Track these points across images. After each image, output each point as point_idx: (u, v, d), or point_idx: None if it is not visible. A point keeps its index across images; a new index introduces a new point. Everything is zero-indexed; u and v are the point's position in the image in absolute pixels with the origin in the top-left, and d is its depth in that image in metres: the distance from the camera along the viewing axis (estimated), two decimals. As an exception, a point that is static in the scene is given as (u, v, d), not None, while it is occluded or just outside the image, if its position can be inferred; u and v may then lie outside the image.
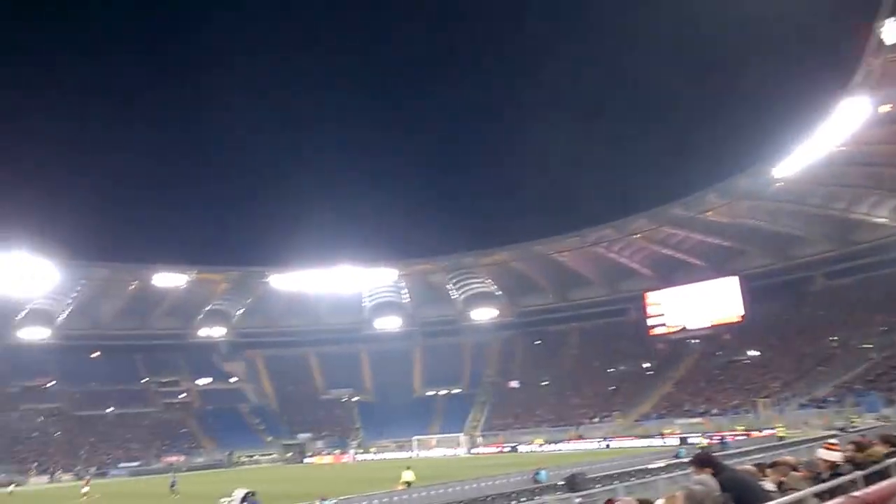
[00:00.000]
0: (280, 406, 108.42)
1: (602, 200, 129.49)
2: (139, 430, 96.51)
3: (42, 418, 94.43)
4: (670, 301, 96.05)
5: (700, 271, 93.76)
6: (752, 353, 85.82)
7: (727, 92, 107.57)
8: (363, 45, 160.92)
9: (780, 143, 70.85)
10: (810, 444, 30.51)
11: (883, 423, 44.51)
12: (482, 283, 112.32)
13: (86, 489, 50.36)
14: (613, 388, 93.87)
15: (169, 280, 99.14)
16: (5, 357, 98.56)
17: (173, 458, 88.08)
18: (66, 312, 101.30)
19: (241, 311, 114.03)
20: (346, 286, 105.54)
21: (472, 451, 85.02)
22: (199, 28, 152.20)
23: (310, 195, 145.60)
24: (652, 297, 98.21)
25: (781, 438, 49.69)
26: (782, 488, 7.61)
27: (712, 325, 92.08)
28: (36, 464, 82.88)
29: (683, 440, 62.29)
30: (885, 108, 59.87)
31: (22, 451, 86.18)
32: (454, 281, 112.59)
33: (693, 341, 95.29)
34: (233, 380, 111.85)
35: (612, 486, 26.37)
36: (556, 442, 79.16)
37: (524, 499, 28.30)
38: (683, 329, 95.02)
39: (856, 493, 6.60)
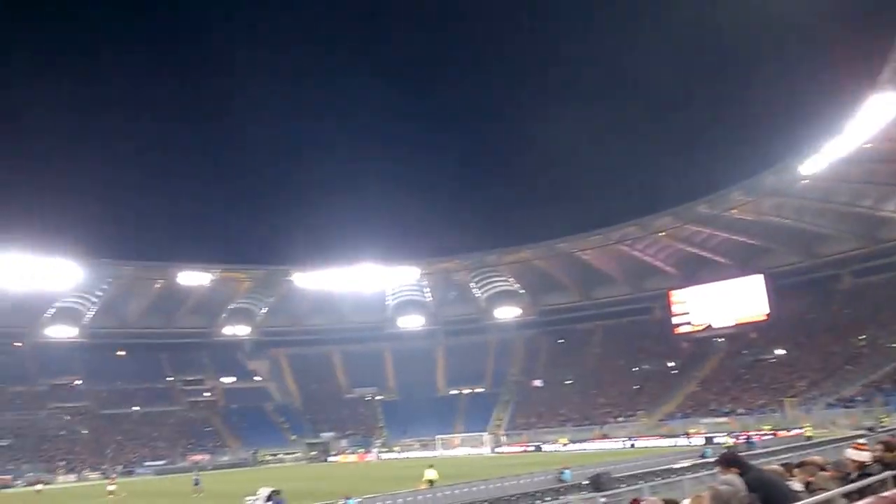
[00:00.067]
0: (304, 404, 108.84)
1: (626, 198, 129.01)
2: (165, 429, 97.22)
3: (69, 417, 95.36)
4: (695, 299, 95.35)
5: (725, 269, 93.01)
6: (779, 351, 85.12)
7: (753, 88, 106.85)
8: (388, 42, 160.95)
9: (807, 139, 70.20)
10: (838, 444, 30.19)
11: (912, 423, 43.99)
12: (505, 281, 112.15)
13: (111, 487, 50.83)
14: (638, 387, 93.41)
15: (193, 279, 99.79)
16: (33, 355, 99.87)
17: (199, 457, 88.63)
18: (93, 311, 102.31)
19: (265, 309, 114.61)
20: (369, 285, 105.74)
21: (496, 450, 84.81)
22: (223, 26, 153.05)
23: (333, 194, 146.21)
24: (677, 296, 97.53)
25: (809, 438, 49.22)
26: (810, 488, 7.50)
27: (738, 324, 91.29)
28: (63, 462, 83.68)
29: (709, 440, 61.84)
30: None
31: (49, 449, 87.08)
32: (477, 279, 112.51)
33: (718, 340, 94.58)
34: (257, 378, 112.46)
35: (637, 486, 26.21)
36: (580, 441, 78.84)
37: (549, 498, 28.20)
38: (708, 328, 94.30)
39: (885, 494, 6.50)
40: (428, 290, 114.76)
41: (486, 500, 28.75)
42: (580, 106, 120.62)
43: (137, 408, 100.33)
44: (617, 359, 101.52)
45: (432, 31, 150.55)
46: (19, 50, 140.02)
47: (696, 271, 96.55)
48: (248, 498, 33.39)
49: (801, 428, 57.16)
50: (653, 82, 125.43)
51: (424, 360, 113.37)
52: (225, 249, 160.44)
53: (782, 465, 9.06)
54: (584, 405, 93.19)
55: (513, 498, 28.78)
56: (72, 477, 79.92)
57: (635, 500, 8.28)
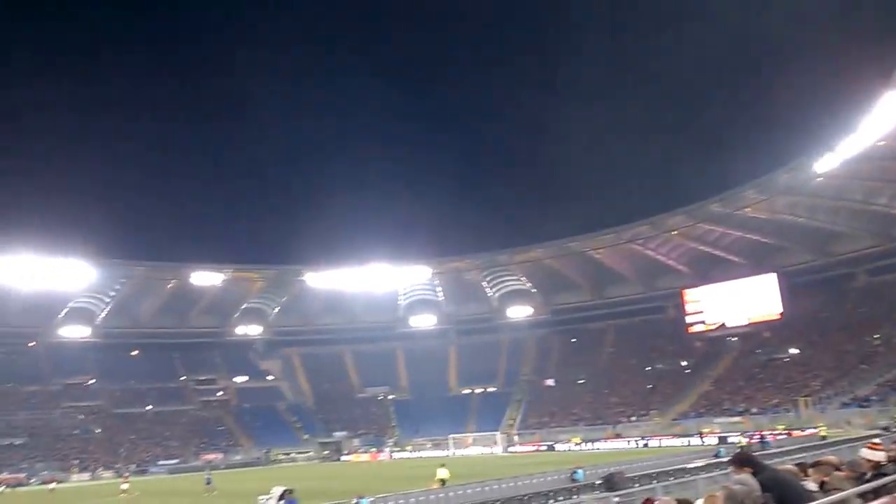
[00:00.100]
0: (316, 404, 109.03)
1: (638, 196, 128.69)
2: (178, 428, 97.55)
3: (83, 416, 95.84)
4: (708, 298, 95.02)
5: (738, 268, 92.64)
6: (793, 350, 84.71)
7: (766, 86, 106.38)
8: (398, 41, 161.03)
9: (821, 137, 69.81)
10: (853, 444, 30.01)
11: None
12: (517, 280, 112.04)
13: (125, 486, 51.03)
14: (651, 386, 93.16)
15: (206, 279, 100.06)
16: (47, 355, 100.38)
17: (212, 456, 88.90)
18: (106, 311, 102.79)
19: (277, 309, 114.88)
20: (381, 284, 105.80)
21: (509, 449, 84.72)
22: (232, 27, 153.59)
23: (345, 194, 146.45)
24: (690, 295, 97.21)
25: (823, 438, 49.01)
26: (825, 488, 7.43)
27: (751, 323, 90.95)
28: (77, 461, 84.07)
29: (722, 439, 61.58)
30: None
31: (63, 448, 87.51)
32: (489, 279, 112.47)
33: (731, 339, 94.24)
34: (269, 378, 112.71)
35: (650, 486, 26.14)
36: (593, 441, 78.68)
37: (562, 498, 28.13)
38: (722, 327, 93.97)
39: (900, 494, 6.43)
40: (440, 289, 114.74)
41: (498, 500, 28.69)
42: (593, 104, 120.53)
43: (150, 407, 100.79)
44: (629, 358, 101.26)
45: (439, 29, 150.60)
46: (28, 50, 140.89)
47: (710, 270, 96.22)
48: (261, 497, 33.45)
49: (815, 427, 56.93)
50: (665, 81, 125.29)
51: (436, 359, 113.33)
52: (237, 249, 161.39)
53: (796, 464, 9.00)
54: (597, 405, 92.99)
55: (525, 497, 28.71)
56: (86, 476, 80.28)
57: (648, 500, 8.21)
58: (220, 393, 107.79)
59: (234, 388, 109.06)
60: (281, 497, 31.07)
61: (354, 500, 28.10)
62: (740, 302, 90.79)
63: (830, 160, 69.87)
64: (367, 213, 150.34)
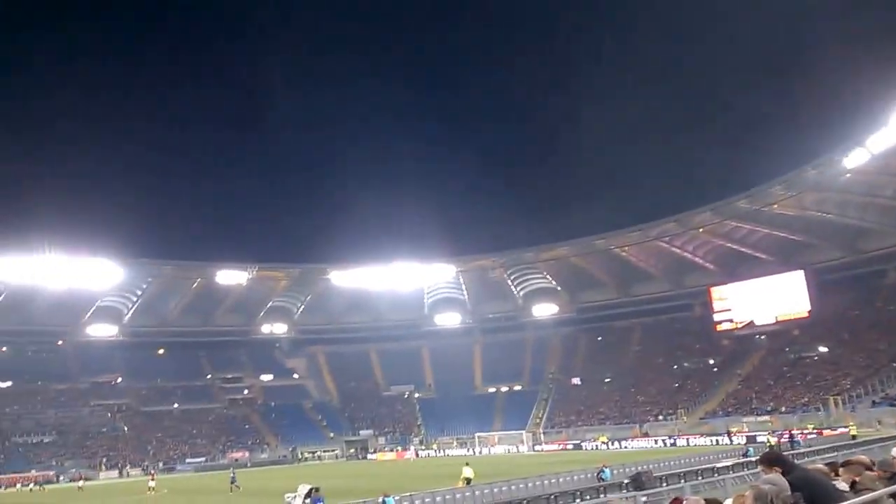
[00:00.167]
0: (342, 402, 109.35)
1: (665, 193, 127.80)
2: (204, 426, 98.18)
3: (111, 414, 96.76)
4: (736, 296, 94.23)
5: (766, 265, 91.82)
6: (822, 349, 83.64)
7: (794, 81, 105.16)
8: (421, 39, 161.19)
9: (850, 132, 68.93)
10: (884, 444, 29.66)
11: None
12: (542, 278, 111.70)
13: (152, 484, 51.57)
14: (678, 384, 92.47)
15: (231, 277, 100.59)
16: (75, 354, 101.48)
17: (238, 454, 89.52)
18: (133, 310, 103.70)
19: (302, 307, 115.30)
20: (405, 283, 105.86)
21: (535, 448, 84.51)
22: (256, 26, 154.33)
23: (369, 192, 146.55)
24: (717, 292, 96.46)
25: (854, 437, 48.43)
26: (856, 488, 7.27)
27: (779, 321, 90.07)
28: (105, 459, 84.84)
29: (751, 438, 61.01)
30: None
31: (92, 446, 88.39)
32: (513, 276, 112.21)
33: (760, 337, 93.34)
34: (295, 376, 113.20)
35: (678, 485, 25.96)
36: (619, 440, 78.30)
37: (588, 497, 27.95)
38: (750, 324, 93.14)
39: (934, 494, 6.27)
40: (465, 287, 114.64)
41: (525, 499, 28.57)
42: (619, 100, 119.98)
43: (177, 405, 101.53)
44: (656, 356, 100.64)
45: (461, 26, 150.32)
46: (57, 53, 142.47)
47: (737, 267, 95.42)
48: (288, 495, 33.53)
49: (845, 427, 56.30)
50: (693, 75, 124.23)
51: (462, 357, 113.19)
52: (262, 248, 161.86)
53: (827, 464, 8.81)
54: (624, 403, 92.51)
55: (552, 496, 28.55)
56: (114, 473, 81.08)
57: (677, 500, 8.10)
58: (247, 391, 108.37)
59: (261, 387, 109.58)
60: (307, 495, 31.14)
61: (380, 499, 28.09)
62: (768, 299, 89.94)
63: (860, 156, 69.01)
64: (392, 212, 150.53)
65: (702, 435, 72.94)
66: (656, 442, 74.69)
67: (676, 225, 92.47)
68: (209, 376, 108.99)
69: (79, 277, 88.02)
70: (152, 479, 54.60)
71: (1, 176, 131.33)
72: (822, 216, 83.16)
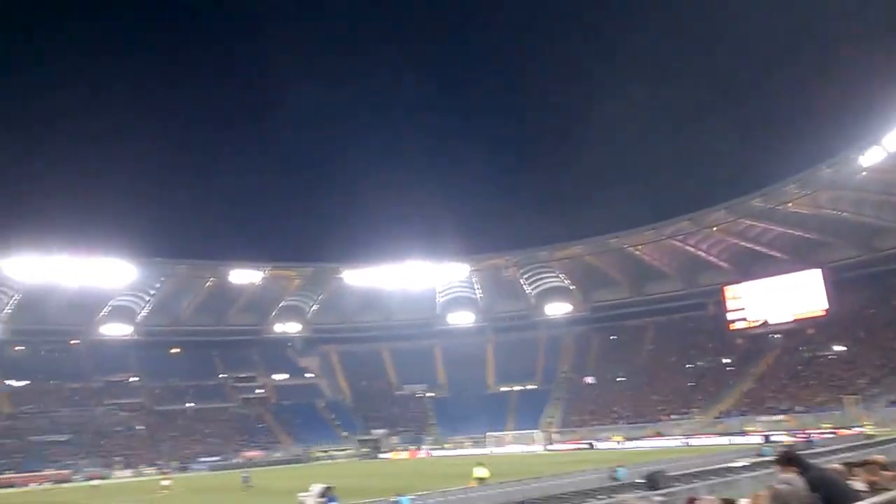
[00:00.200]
0: (355, 401, 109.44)
1: (679, 192, 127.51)
2: (218, 425, 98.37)
3: (125, 413, 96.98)
4: (750, 295, 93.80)
5: (781, 264, 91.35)
6: (838, 348, 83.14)
7: (809, 78, 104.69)
8: (431, 35, 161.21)
9: (866, 130, 68.44)
10: (901, 443, 29.38)
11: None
12: (555, 277, 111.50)
13: (165, 483, 51.78)
14: (692, 384, 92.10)
15: (244, 277, 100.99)
16: (89, 353, 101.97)
17: (252, 454, 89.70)
18: (147, 309, 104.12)
19: (315, 306, 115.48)
20: (418, 282, 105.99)
21: (548, 447, 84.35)
22: (267, 23, 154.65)
23: (382, 191, 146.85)
24: (731, 291, 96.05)
25: (870, 437, 48.06)
26: (873, 488, 7.18)
27: (795, 320, 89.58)
28: (120, 458, 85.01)
29: (766, 438, 60.74)
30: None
31: (107, 445, 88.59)
32: (526, 275, 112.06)
33: (775, 336, 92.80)
34: (308, 375, 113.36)
35: (693, 485, 25.75)
36: (634, 439, 78.12)
37: (602, 496, 27.80)
38: (765, 323, 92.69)
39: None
40: (478, 286, 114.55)
41: (538, 498, 28.46)
42: (633, 99, 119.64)
43: (191, 404, 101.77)
44: (670, 355, 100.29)
45: (473, 21, 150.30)
46: (70, 52, 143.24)
47: (751, 266, 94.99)
48: (301, 494, 33.54)
49: (861, 426, 55.93)
50: (705, 74, 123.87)
51: (474, 356, 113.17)
52: (275, 247, 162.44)
53: (843, 464, 8.74)
54: (638, 403, 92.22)
55: (565, 496, 28.43)
56: (128, 472, 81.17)
57: (692, 499, 8.01)
58: (260, 390, 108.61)
59: (274, 386, 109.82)
60: (322, 494, 31.14)
61: (394, 498, 28.06)
62: (783, 298, 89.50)
63: (876, 154, 68.57)
64: (405, 211, 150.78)
65: (716, 434, 72.70)
66: (671, 441, 74.45)
67: (690, 223, 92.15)
68: (222, 375, 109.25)
69: (93, 277, 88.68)
70: (166, 479, 54.82)
71: (16, 176, 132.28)
72: (838, 214, 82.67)
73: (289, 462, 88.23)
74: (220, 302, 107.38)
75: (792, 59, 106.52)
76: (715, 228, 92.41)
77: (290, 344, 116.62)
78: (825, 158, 74.94)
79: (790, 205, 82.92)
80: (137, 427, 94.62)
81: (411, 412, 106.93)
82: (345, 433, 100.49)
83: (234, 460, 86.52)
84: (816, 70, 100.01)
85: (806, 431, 58.07)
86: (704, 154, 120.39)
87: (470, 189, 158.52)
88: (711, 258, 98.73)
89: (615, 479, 32.98)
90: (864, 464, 8.21)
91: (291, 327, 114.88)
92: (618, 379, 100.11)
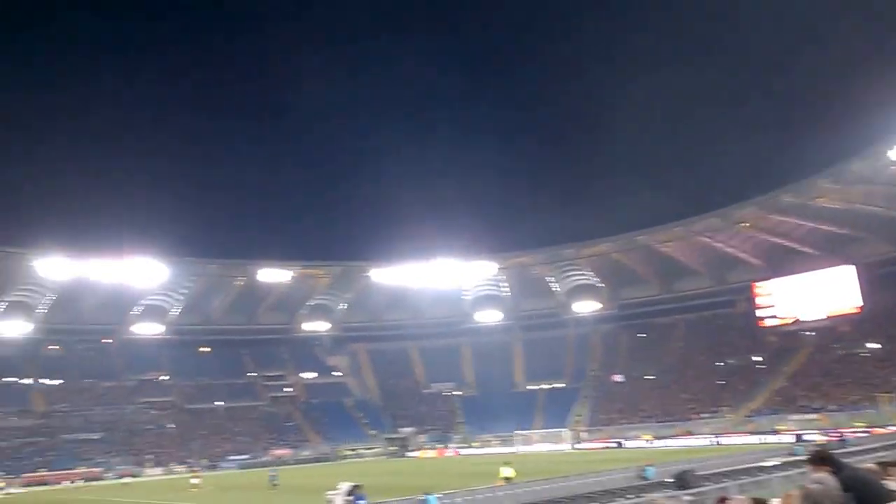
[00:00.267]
0: (383, 400, 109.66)
1: (708, 188, 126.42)
2: (248, 424, 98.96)
3: (156, 411, 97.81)
4: (782, 291, 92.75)
5: (813, 260, 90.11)
6: (872, 345, 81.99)
7: (839, 70, 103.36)
8: (455, 29, 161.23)
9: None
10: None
11: None
12: (583, 275, 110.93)
13: (194, 481, 52.12)
14: (722, 382, 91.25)
15: (274, 276, 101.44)
16: (121, 352, 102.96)
17: (281, 452, 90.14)
18: (178, 308, 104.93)
19: (344, 305, 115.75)
20: (446, 280, 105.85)
21: (576, 446, 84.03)
22: (293, 16, 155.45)
23: (410, 189, 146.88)
24: (762, 288, 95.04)
25: (904, 435, 47.33)
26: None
27: (828, 317, 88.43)
28: (151, 456, 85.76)
29: (799, 437, 60.03)
30: None
31: (138, 443, 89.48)
32: (554, 273, 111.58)
33: (807, 333, 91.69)
34: (337, 374, 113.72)
35: (723, 485, 25.44)
36: (663, 438, 77.59)
37: (631, 496, 27.53)
38: (797, 321, 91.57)
39: None
40: (505, 284, 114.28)
41: (565, 498, 28.25)
42: (661, 93, 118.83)
43: (221, 403, 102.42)
44: (700, 353, 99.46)
45: (502, 11, 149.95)
46: (103, 53, 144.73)
47: (783, 262, 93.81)
48: (329, 492, 33.57)
49: None
50: (735, 66, 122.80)
51: (502, 355, 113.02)
52: (303, 247, 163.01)
53: (877, 463, 8.49)
54: (667, 401, 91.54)
55: (594, 495, 28.19)
56: (159, 470, 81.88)
57: (722, 499, 7.82)
58: (289, 389, 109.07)
59: (303, 384, 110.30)
60: (350, 493, 31.12)
61: (421, 497, 27.99)
62: (816, 295, 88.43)
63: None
64: (433, 209, 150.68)
65: (747, 433, 72.02)
66: (700, 440, 73.87)
67: (720, 220, 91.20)
68: (252, 374, 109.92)
69: (125, 276, 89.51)
70: (195, 477, 55.20)
71: (51, 177, 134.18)
72: (870, 209, 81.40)
73: (317, 460, 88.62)
74: (249, 301, 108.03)
75: (823, 51, 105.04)
76: (745, 224, 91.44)
77: (317, 342, 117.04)
78: (857, 152, 73.91)
79: (821, 200, 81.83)
80: (168, 425, 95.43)
81: (439, 410, 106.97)
82: (373, 431, 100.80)
83: (264, 458, 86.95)
84: (848, 61, 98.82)
85: (839, 430, 57.31)
86: (734, 149, 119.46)
87: (497, 186, 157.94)
88: (741, 254, 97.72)
89: (644, 478, 32.70)
90: (899, 463, 7.97)
91: (320, 326, 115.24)
92: (646, 377, 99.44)
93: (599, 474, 34.24)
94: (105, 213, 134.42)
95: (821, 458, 6.52)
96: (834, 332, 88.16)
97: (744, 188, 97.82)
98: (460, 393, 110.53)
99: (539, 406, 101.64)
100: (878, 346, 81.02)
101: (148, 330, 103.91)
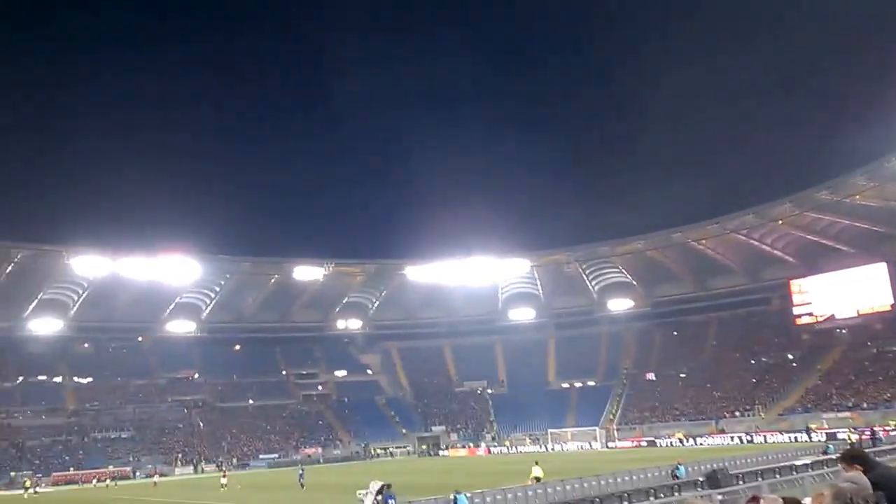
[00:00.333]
0: (415, 398, 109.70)
1: (743, 185, 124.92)
2: (279, 422, 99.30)
3: (187, 410, 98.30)
4: (816, 289, 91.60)
5: (848, 257, 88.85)
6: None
7: (875, 67, 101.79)
8: (490, 27, 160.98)
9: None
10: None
11: None
12: (617, 272, 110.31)
13: (224, 480, 52.57)
14: (755, 380, 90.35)
15: (308, 273, 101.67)
16: (154, 350, 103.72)
17: (311, 450, 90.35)
18: (211, 306, 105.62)
19: (377, 303, 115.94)
20: (480, 277, 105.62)
21: (609, 445, 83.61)
22: (328, 14, 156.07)
23: (445, 188, 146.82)
24: (797, 286, 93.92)
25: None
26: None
27: (861, 315, 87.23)
28: (181, 454, 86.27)
29: (831, 436, 59.33)
30: None
31: (168, 441, 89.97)
32: (588, 271, 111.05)
33: (840, 331, 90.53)
34: (369, 372, 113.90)
35: (755, 483, 25.29)
36: (695, 436, 77.00)
37: (663, 495, 27.44)
38: (831, 318, 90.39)
39: None
40: (539, 282, 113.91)
41: (597, 497, 28.19)
42: (694, 90, 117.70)
43: (252, 401, 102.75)
44: (733, 351, 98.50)
45: (535, 4, 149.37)
46: (140, 49, 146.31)
47: (817, 259, 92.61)
48: (360, 491, 33.74)
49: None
50: (770, 64, 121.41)
51: (535, 352, 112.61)
52: (338, 244, 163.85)
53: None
54: (700, 399, 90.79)
55: (626, 493, 28.11)
56: (188, 469, 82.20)
57: (754, 498, 7.76)
58: (321, 387, 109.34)
59: (334, 383, 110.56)
60: (380, 492, 31.28)
61: (452, 496, 28.06)
62: (850, 292, 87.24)
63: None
64: (467, 207, 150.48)
65: (780, 432, 71.29)
66: (733, 439, 73.24)
67: (755, 217, 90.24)
68: (284, 372, 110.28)
69: (159, 274, 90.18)
70: (224, 476, 55.62)
71: (85, 175, 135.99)
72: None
73: (347, 459, 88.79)
74: (283, 298, 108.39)
75: (861, 48, 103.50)
76: (780, 222, 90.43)
77: (350, 340, 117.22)
78: (893, 150, 72.66)
79: (857, 197, 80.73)
80: (199, 424, 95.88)
81: (471, 409, 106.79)
82: (404, 430, 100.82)
83: (294, 457, 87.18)
84: (885, 59, 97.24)
85: (872, 429, 56.52)
86: (770, 146, 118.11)
87: (532, 183, 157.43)
88: (776, 252, 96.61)
89: (676, 477, 32.54)
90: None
91: (353, 324, 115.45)
92: (680, 375, 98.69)
93: (632, 473, 34.07)
94: (140, 211, 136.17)
95: (853, 456, 6.44)
96: (867, 329, 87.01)
97: (779, 185, 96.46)
98: (493, 391, 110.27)
99: (572, 404, 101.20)
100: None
101: (180, 328, 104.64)
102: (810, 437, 63.47)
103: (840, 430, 61.78)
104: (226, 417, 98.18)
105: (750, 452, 45.94)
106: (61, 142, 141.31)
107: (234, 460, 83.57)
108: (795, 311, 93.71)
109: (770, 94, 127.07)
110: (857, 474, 5.85)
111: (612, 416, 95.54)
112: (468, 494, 28.62)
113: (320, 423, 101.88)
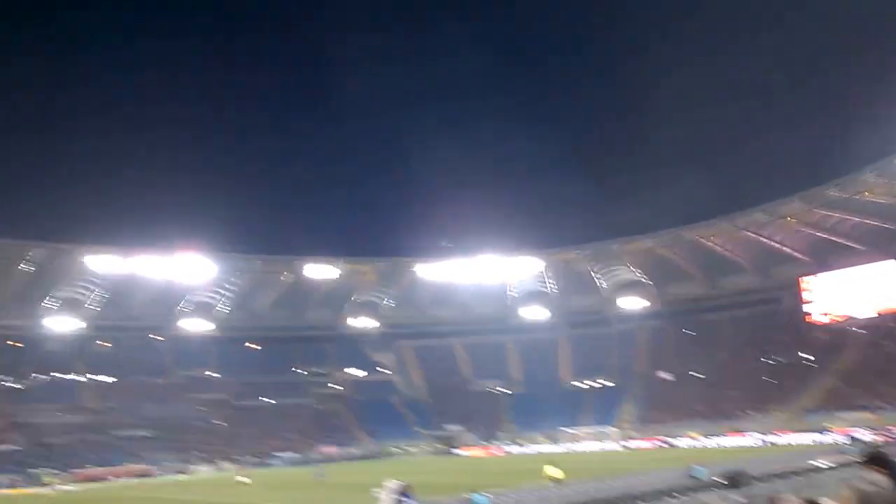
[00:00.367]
0: (430, 397, 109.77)
1: (753, 182, 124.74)
2: (296, 421, 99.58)
3: (205, 408, 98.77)
4: (830, 287, 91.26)
5: (859, 255, 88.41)
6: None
7: (883, 64, 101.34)
8: (500, 26, 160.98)
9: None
10: None
11: None
12: (629, 271, 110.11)
13: (238, 478, 52.88)
14: (771, 379, 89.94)
15: (320, 272, 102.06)
16: (171, 348, 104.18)
17: (329, 449, 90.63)
18: (226, 304, 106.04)
19: (390, 302, 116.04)
20: (491, 276, 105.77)
21: (624, 444, 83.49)
22: (339, 13, 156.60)
23: (456, 186, 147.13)
24: (808, 283, 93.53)
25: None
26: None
27: (879, 313, 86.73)
28: (199, 453, 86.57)
29: (851, 436, 59.02)
30: None
31: (187, 440, 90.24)
32: (600, 269, 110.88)
33: (858, 330, 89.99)
34: (383, 371, 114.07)
35: (775, 485, 25.22)
36: (711, 436, 76.79)
37: (681, 496, 27.39)
38: (848, 317, 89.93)
39: None
40: (551, 280, 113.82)
41: (613, 497, 28.18)
42: (706, 88, 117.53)
43: (269, 400, 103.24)
44: (748, 351, 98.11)
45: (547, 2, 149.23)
46: (151, 47, 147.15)
47: (827, 257, 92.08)
48: (377, 490, 33.83)
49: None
50: (781, 61, 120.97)
51: (548, 352, 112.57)
52: (349, 242, 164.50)
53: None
54: (715, 399, 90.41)
55: (643, 495, 28.08)
56: (207, 467, 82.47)
57: (774, 499, 7.82)
58: (336, 386, 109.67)
59: (350, 382, 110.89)
60: (398, 491, 31.26)
61: (468, 496, 28.09)
62: (866, 290, 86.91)
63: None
64: (478, 204, 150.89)
65: (798, 432, 70.94)
66: (750, 439, 72.99)
67: (765, 214, 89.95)
68: (299, 371, 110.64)
69: (174, 273, 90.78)
70: (240, 474, 55.97)
71: (101, 174, 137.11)
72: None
73: (363, 458, 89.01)
74: (295, 297, 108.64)
75: (871, 45, 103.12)
76: (790, 219, 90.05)
77: (364, 339, 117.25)
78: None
79: (867, 194, 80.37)
80: (216, 422, 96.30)
81: (485, 408, 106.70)
82: (419, 429, 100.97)
83: (311, 456, 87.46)
84: (892, 55, 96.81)
85: (892, 429, 56.24)
86: (780, 143, 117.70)
87: (542, 181, 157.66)
88: (787, 249, 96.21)
89: (693, 477, 32.48)
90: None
91: (366, 323, 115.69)
92: (695, 374, 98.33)
93: (648, 473, 34.05)
94: (154, 209, 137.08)
95: (874, 458, 6.50)
96: (884, 328, 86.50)
97: (789, 183, 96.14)
98: (507, 390, 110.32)
99: (586, 403, 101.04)
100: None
101: (197, 326, 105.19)
102: (830, 438, 63.16)
103: (859, 430, 61.46)
104: (243, 416, 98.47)
105: (768, 453, 45.85)
106: (75, 141, 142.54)
107: (253, 459, 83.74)
108: (806, 308, 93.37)
109: (779, 91, 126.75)
110: (879, 477, 5.91)
111: (626, 416, 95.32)
112: (486, 494, 28.58)
113: (336, 422, 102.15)
